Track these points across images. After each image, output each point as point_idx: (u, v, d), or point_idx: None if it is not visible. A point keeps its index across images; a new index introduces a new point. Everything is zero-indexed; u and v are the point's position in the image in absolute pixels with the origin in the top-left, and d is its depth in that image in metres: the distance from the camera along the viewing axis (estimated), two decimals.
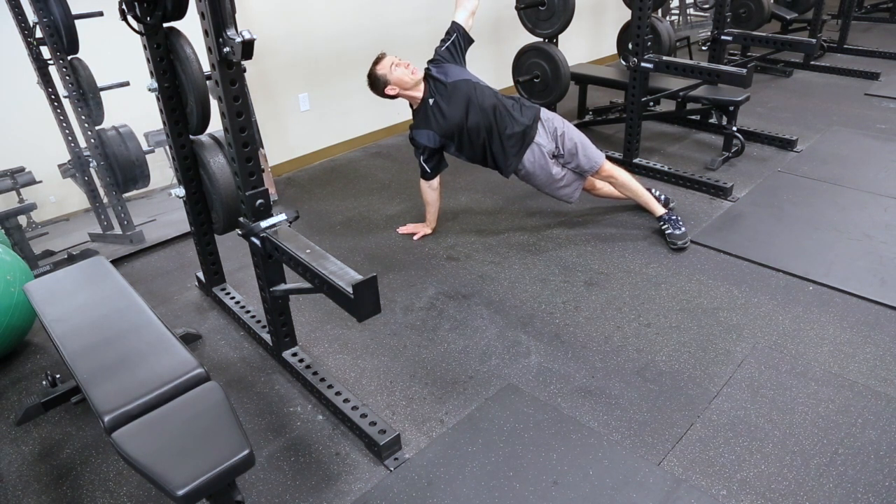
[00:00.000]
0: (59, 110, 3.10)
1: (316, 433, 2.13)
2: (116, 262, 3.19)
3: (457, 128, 3.00)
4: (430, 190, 3.20)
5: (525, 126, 3.00)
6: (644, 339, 2.47)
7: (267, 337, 2.48)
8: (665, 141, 4.29)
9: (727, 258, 2.95)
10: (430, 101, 2.99)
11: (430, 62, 3.09)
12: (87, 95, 3.13)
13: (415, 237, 3.28)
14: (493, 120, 2.98)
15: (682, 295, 2.71)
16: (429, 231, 3.31)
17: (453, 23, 3.10)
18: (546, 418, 2.12)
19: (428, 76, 3.02)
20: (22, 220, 3.04)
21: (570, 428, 2.07)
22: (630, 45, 3.60)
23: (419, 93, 3.00)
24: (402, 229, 3.35)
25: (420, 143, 3.06)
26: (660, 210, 3.17)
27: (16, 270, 2.50)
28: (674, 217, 3.11)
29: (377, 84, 3.00)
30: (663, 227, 3.11)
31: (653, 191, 3.29)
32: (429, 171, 3.12)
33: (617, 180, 3.16)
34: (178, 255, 3.32)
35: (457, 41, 3.09)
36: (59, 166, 3.16)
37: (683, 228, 3.08)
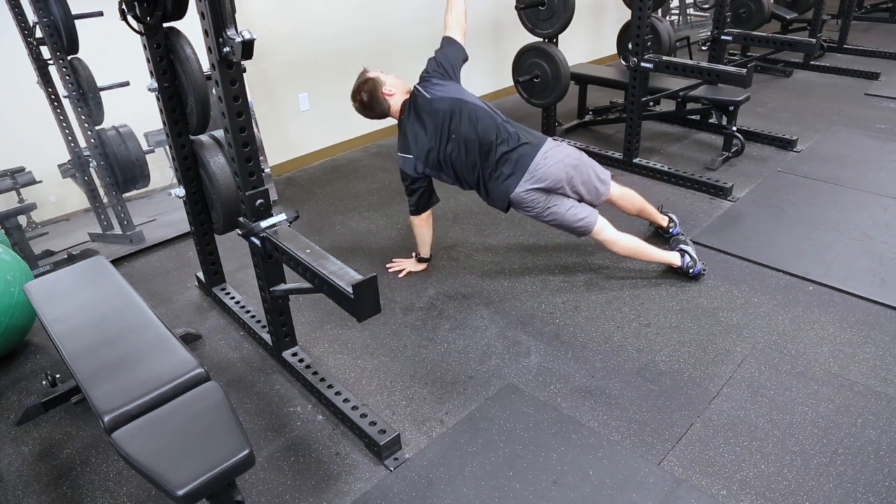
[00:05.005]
0: (59, 110, 3.10)
1: (316, 433, 2.13)
2: (116, 262, 3.19)
3: (436, 153, 2.65)
4: (418, 225, 2.86)
5: (507, 192, 2.63)
6: (644, 339, 2.47)
7: (267, 337, 2.48)
8: (665, 141, 4.29)
9: (727, 258, 2.95)
10: (407, 118, 2.70)
11: (417, 83, 2.75)
12: (87, 95, 3.13)
13: (400, 275, 2.95)
14: (477, 158, 2.63)
15: (682, 295, 2.71)
16: (419, 269, 2.97)
17: (446, 38, 2.77)
18: (546, 418, 2.12)
19: (413, 94, 2.72)
20: (22, 219, 3.03)
21: (570, 428, 2.07)
22: (630, 45, 3.60)
23: (397, 107, 2.72)
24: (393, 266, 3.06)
25: (405, 172, 2.73)
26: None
27: (16, 270, 2.50)
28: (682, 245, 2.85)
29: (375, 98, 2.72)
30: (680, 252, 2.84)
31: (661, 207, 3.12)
32: (413, 207, 2.80)
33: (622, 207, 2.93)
34: (178, 255, 3.32)
35: (451, 58, 2.75)
36: (59, 166, 3.16)
37: (698, 268, 2.79)
